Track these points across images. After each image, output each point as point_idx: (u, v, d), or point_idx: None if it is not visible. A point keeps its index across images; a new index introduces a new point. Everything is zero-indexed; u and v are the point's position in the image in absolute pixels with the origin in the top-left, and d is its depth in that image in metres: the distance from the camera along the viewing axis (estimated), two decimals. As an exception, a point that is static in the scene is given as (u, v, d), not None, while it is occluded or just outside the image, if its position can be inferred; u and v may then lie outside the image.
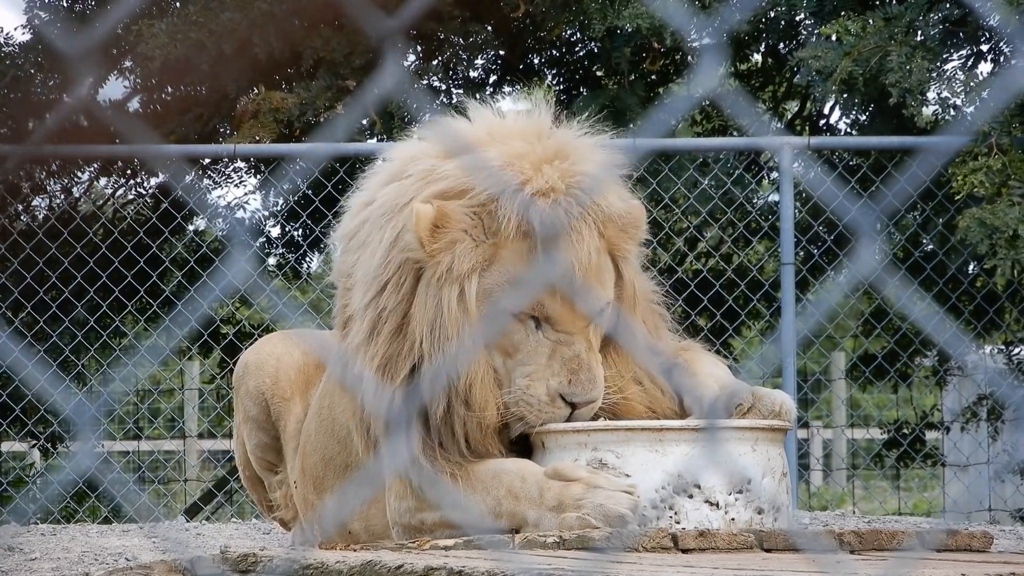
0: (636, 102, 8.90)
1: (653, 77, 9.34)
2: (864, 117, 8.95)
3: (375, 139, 8.88)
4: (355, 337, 4.12)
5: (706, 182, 8.80)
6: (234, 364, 5.81)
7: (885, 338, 9.05)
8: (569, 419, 3.99)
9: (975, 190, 7.58)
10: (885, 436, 9.50)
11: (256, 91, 8.72)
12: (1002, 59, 8.30)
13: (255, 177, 9.58)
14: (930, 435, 9.74)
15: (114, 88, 9.21)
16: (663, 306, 4.38)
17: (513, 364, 4.01)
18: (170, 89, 9.13)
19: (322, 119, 8.67)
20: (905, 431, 9.29)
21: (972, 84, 7.88)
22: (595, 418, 4.07)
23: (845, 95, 8.19)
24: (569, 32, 9.38)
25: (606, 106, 8.88)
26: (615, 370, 4.12)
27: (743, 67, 9.72)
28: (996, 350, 9.22)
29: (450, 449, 4.01)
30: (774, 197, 9.16)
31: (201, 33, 8.47)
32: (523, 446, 4.14)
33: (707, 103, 9.47)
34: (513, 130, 4.14)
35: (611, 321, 4.12)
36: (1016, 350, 9.18)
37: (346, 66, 8.76)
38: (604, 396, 4.06)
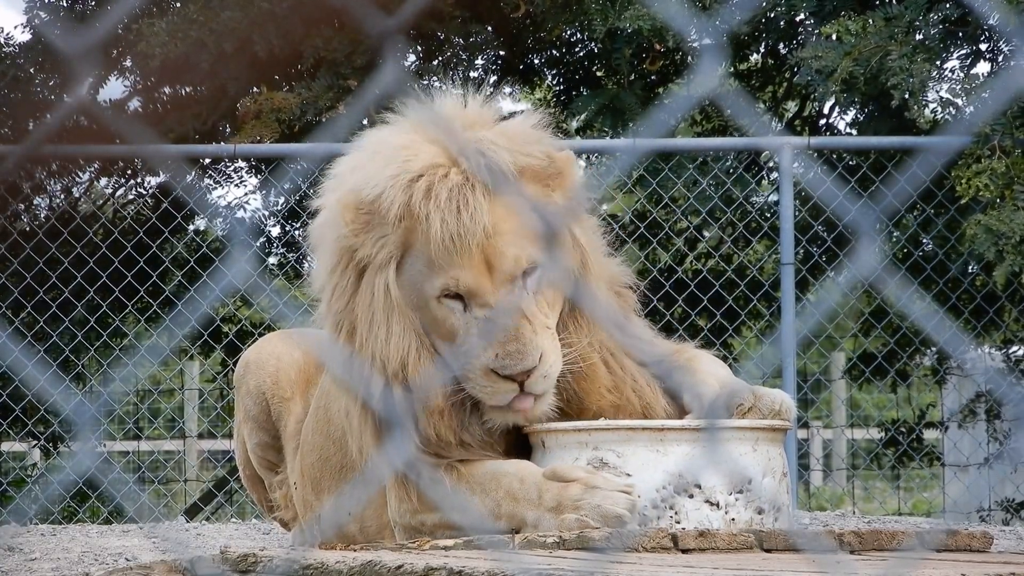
0: (635, 102, 8.90)
1: (653, 78, 9.34)
2: (864, 117, 8.96)
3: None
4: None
5: (706, 182, 8.80)
6: (235, 364, 5.82)
7: (884, 337, 9.05)
8: (521, 392, 3.93)
9: (979, 193, 7.57)
10: (882, 436, 9.50)
11: (257, 91, 8.72)
12: (1001, 58, 8.30)
13: (255, 177, 9.58)
14: (929, 435, 9.75)
15: (114, 88, 9.22)
16: (634, 293, 4.34)
17: (454, 348, 3.99)
18: (169, 90, 9.13)
19: (323, 119, 8.67)
20: (903, 430, 9.29)
21: (972, 84, 7.88)
22: (593, 416, 4.06)
23: (845, 95, 8.19)
24: (569, 32, 9.38)
25: (605, 106, 8.89)
26: (574, 337, 4.06)
27: (743, 67, 9.72)
28: (995, 349, 9.22)
29: (424, 443, 4.01)
30: (774, 197, 9.16)
31: (201, 32, 8.47)
32: (523, 447, 4.14)
33: (707, 103, 9.47)
34: (453, 121, 4.13)
35: (566, 284, 4.07)
36: (1015, 349, 9.18)
37: (347, 65, 8.76)
38: (565, 363, 3.99)
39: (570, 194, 4.14)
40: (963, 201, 7.73)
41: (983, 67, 8.35)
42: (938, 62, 7.90)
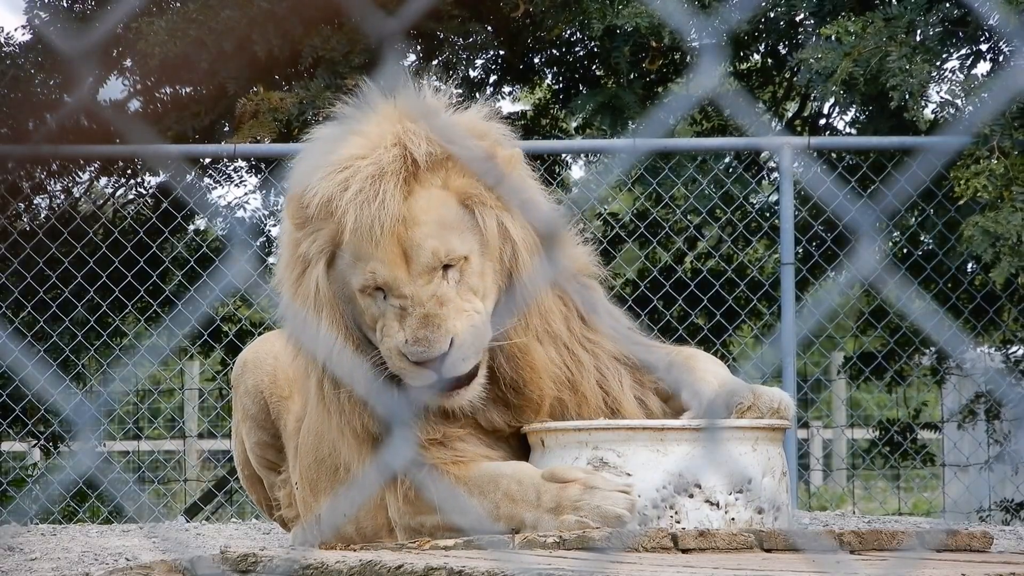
0: (634, 100, 8.90)
1: (652, 77, 9.34)
2: (864, 117, 8.96)
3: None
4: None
5: (706, 182, 8.80)
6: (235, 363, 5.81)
7: (884, 337, 9.05)
8: (441, 378, 3.93)
9: (978, 194, 7.57)
10: (877, 434, 9.51)
11: (255, 90, 8.71)
12: (1001, 59, 8.30)
13: (255, 177, 9.58)
14: (928, 434, 9.75)
15: (114, 87, 9.22)
16: (601, 283, 4.32)
17: (379, 337, 4.02)
18: (168, 89, 9.13)
19: (321, 118, 8.66)
20: (897, 429, 9.30)
21: (972, 84, 7.88)
22: (538, 406, 4.06)
23: (845, 95, 8.18)
24: (569, 32, 9.38)
25: (603, 105, 8.89)
26: (507, 322, 4.04)
27: (743, 67, 9.72)
28: (994, 349, 9.22)
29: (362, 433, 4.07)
30: (774, 197, 9.16)
31: (201, 31, 8.47)
32: (522, 447, 4.14)
33: (707, 103, 9.46)
34: (389, 113, 4.13)
35: (497, 276, 4.06)
36: (1014, 349, 9.18)
37: (345, 65, 8.76)
38: (493, 341, 3.98)
39: (505, 188, 4.13)
40: (961, 202, 7.73)
41: (983, 67, 8.35)
42: (938, 63, 7.90)
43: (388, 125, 4.07)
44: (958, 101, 7.89)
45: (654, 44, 8.89)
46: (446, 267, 3.97)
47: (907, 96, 7.74)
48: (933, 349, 9.21)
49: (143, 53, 8.48)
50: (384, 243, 3.96)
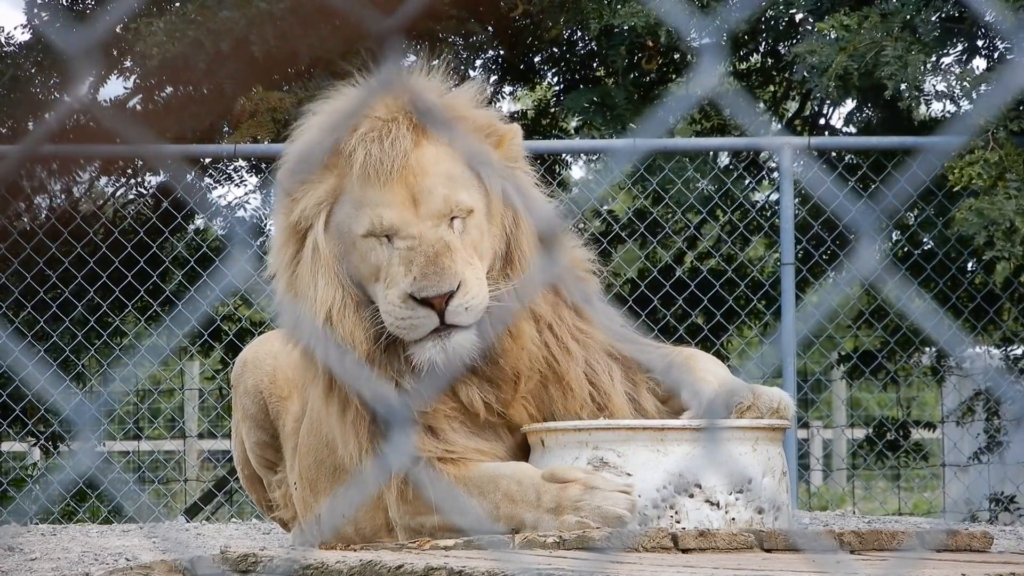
0: (627, 99, 8.89)
1: (650, 77, 9.34)
2: (862, 115, 8.95)
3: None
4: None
5: (706, 182, 8.80)
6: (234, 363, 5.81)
7: (884, 336, 9.05)
8: (442, 324, 3.87)
9: (972, 182, 7.57)
10: (870, 432, 9.53)
11: (253, 91, 8.72)
12: (997, 55, 8.30)
13: (255, 176, 9.58)
14: (927, 434, 9.75)
15: (114, 87, 9.22)
16: (597, 278, 4.30)
17: (376, 286, 3.97)
18: (169, 90, 9.13)
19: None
20: (889, 428, 9.30)
21: (968, 80, 7.88)
22: (568, 408, 4.05)
23: (840, 90, 8.17)
24: (568, 31, 9.38)
25: (598, 103, 8.89)
26: (503, 287, 4.01)
27: (742, 66, 9.72)
28: (994, 348, 9.22)
29: (365, 411, 4.01)
30: (774, 196, 9.15)
31: (199, 31, 8.47)
32: (522, 448, 4.13)
33: (707, 103, 9.46)
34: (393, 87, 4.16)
35: (503, 239, 4.04)
36: (1014, 348, 9.18)
37: (342, 65, 8.76)
38: (492, 301, 3.94)
39: (509, 155, 4.13)
40: (956, 190, 7.73)
41: (979, 63, 8.35)
42: (934, 57, 7.90)
43: (393, 93, 4.08)
44: (955, 91, 7.89)
45: (651, 44, 8.89)
46: (452, 219, 3.97)
47: (901, 87, 7.74)
48: (933, 348, 9.21)
49: (142, 54, 8.49)
50: (393, 185, 3.95)
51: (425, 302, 3.87)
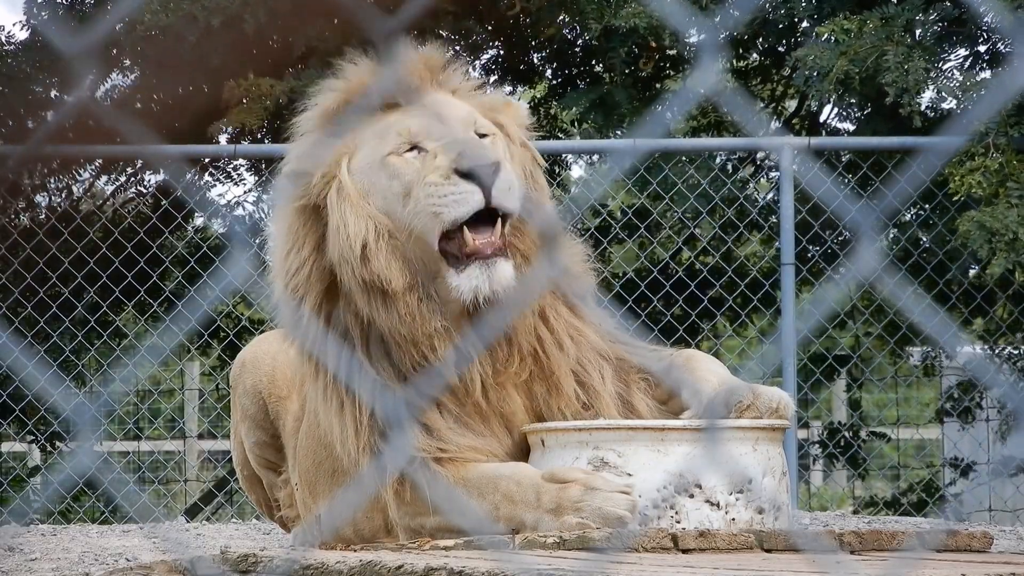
0: (626, 97, 8.89)
1: (646, 73, 9.34)
2: (862, 116, 8.95)
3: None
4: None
5: (705, 182, 8.79)
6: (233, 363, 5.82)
7: (885, 338, 9.05)
8: (488, 204, 3.77)
9: (973, 191, 7.57)
10: (826, 435, 9.59)
11: (248, 78, 8.69)
12: (999, 59, 8.30)
13: (255, 176, 9.58)
14: (927, 434, 9.75)
15: (112, 79, 9.23)
16: (594, 275, 4.29)
17: (408, 202, 3.89)
18: (165, 80, 9.10)
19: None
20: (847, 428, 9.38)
21: (969, 83, 7.88)
22: (553, 406, 4.05)
23: (841, 94, 8.18)
24: (567, 30, 9.38)
25: (596, 102, 8.89)
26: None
27: (741, 65, 9.72)
28: (992, 347, 9.22)
29: (394, 356, 3.93)
30: (773, 195, 9.15)
31: (193, 6, 8.47)
32: (521, 448, 4.13)
33: (707, 103, 9.46)
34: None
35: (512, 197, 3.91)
36: (1014, 348, 9.18)
37: (338, 57, 8.75)
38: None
39: (517, 123, 4.14)
40: (956, 198, 7.74)
41: (981, 67, 8.35)
42: (935, 60, 7.90)
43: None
44: (956, 93, 7.89)
45: (652, 45, 8.89)
46: (480, 136, 3.98)
47: (903, 92, 7.74)
48: (933, 348, 9.21)
49: (132, 22, 8.47)
50: (420, 97, 3.94)
51: (470, 176, 3.79)
